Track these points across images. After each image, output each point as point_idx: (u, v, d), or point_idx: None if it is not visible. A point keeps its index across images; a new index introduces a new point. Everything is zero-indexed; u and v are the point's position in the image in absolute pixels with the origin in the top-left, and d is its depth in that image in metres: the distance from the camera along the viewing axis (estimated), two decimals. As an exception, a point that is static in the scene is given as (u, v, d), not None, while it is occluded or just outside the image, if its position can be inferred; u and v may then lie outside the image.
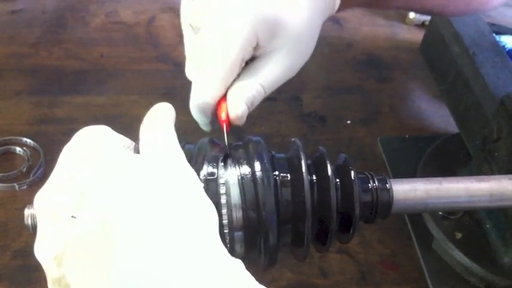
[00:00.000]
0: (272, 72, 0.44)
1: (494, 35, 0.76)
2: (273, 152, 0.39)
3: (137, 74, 0.85)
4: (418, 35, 0.92)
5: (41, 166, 0.69)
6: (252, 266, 0.38)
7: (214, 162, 0.36)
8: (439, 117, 0.83)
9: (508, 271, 0.61)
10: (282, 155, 0.39)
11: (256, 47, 0.43)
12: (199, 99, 0.43)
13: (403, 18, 1.01)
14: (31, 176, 0.68)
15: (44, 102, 0.79)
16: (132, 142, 0.38)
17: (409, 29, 1.00)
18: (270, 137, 0.78)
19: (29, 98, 0.79)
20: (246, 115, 0.42)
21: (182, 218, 0.31)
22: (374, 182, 0.39)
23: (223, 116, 0.42)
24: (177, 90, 0.82)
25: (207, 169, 0.35)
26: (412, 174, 0.73)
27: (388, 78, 0.90)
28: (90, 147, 0.35)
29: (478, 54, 0.71)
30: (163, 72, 0.86)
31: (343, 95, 0.87)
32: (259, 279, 0.66)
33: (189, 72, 0.47)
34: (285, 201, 0.36)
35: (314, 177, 0.37)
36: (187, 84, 0.85)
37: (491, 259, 0.62)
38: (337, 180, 0.37)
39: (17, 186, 0.67)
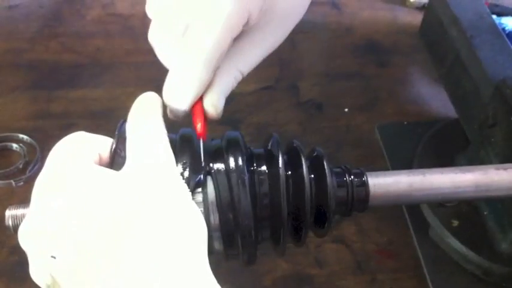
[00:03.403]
0: (253, 54, 0.39)
1: (494, 16, 0.74)
2: (251, 148, 0.38)
3: (133, 66, 0.85)
4: (418, 18, 0.89)
5: (38, 162, 0.70)
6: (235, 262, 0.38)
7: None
8: (439, 102, 0.81)
9: (505, 258, 0.60)
10: (261, 150, 0.38)
11: (246, 24, 0.37)
12: (180, 89, 0.38)
13: (404, 1, 0.99)
14: (27, 172, 0.69)
15: (41, 97, 0.79)
16: (112, 140, 0.38)
17: (409, 12, 0.98)
18: (267, 126, 0.78)
19: (26, 93, 0.80)
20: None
21: (169, 240, 0.30)
22: (350, 176, 0.38)
23: (198, 127, 0.38)
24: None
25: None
26: (409, 160, 0.72)
27: (387, 63, 0.89)
28: (63, 172, 0.33)
29: (475, 37, 0.69)
30: (159, 65, 0.85)
31: (341, 81, 0.85)
32: (254, 271, 0.66)
33: (156, 36, 0.40)
34: (262, 197, 0.36)
35: (289, 173, 0.37)
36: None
37: (489, 246, 0.61)
38: (312, 175, 0.37)
39: (13, 183, 0.68)
